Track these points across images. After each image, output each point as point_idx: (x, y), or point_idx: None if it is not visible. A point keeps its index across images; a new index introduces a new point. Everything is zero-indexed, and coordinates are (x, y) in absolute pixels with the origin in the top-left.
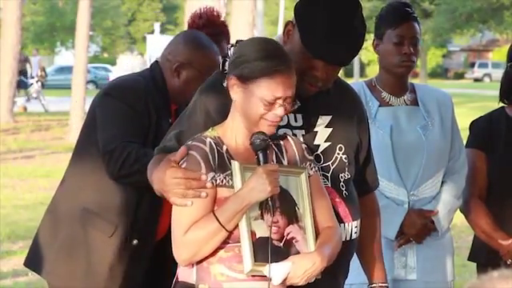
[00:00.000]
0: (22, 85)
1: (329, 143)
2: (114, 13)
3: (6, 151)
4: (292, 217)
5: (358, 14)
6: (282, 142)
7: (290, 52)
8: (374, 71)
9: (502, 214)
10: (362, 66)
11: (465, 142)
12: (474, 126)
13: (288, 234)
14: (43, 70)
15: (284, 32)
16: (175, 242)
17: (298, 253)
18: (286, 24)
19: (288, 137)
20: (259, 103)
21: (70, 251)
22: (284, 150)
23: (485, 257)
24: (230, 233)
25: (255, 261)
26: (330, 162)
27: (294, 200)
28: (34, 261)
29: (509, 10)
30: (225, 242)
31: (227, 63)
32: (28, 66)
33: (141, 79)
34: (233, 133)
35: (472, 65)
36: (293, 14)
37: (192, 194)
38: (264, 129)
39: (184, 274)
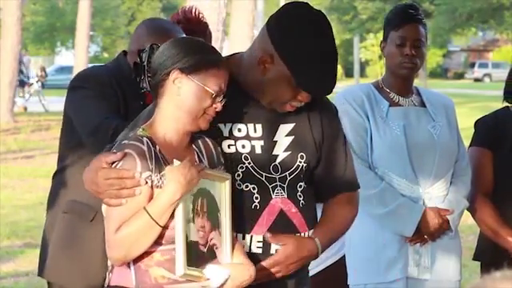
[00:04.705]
0: (19, 84)
1: (289, 152)
2: (113, 13)
3: (6, 151)
4: (215, 222)
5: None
6: (200, 143)
7: (268, 83)
8: (373, 71)
9: (509, 212)
10: (362, 66)
11: (468, 141)
12: (479, 124)
13: (211, 239)
14: (43, 69)
15: (259, 62)
16: (108, 242)
17: (216, 260)
18: (261, 55)
19: (206, 139)
20: (206, 96)
21: (60, 243)
22: (204, 151)
23: (490, 256)
24: (162, 232)
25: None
26: (287, 172)
27: (217, 206)
28: (39, 266)
29: (509, 10)
30: (158, 244)
31: (149, 66)
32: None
33: (103, 67)
34: (163, 131)
35: (472, 65)
36: (271, 45)
37: (126, 193)
38: (203, 124)
39: (120, 278)
